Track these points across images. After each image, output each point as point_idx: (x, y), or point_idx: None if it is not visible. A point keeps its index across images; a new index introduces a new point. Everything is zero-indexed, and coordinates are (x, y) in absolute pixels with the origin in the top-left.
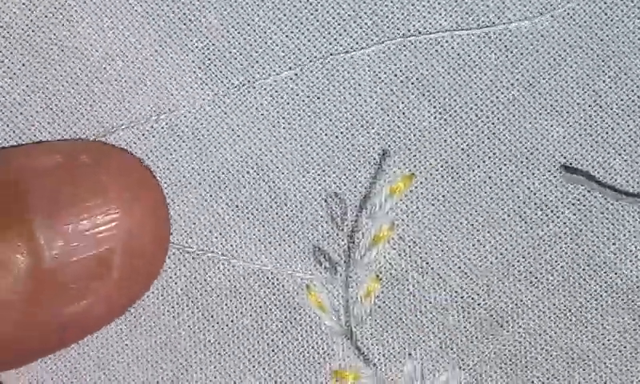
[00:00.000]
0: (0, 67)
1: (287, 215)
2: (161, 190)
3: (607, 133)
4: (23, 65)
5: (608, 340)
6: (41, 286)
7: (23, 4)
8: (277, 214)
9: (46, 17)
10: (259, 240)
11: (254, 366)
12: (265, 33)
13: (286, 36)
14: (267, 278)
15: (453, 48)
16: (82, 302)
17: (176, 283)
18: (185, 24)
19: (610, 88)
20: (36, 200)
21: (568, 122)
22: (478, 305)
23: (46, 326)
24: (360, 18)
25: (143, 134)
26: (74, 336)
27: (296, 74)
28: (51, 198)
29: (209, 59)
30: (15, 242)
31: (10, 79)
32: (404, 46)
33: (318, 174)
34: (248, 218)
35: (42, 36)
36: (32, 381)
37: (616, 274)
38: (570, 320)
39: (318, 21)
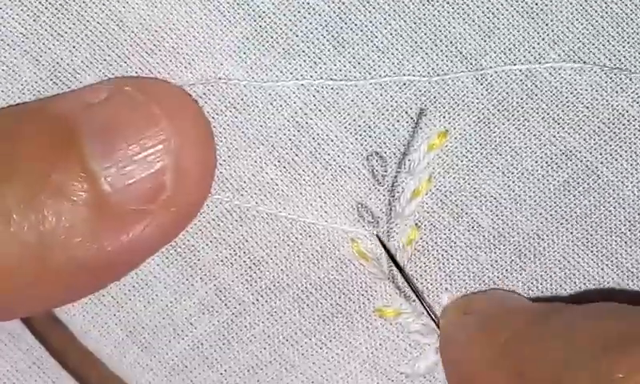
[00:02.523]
0: (60, 41)
1: (332, 174)
2: (206, 119)
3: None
4: (82, 39)
5: (627, 268)
6: (100, 211)
7: None
8: (322, 173)
9: None
10: (305, 198)
11: (302, 308)
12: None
13: (327, 5)
14: (314, 232)
15: (483, 12)
16: (139, 225)
17: (229, 236)
18: None
19: None
20: (87, 131)
21: (593, 72)
22: (508, 242)
23: (108, 252)
24: None
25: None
26: (132, 262)
27: (338, 42)
28: (101, 127)
29: (256, 30)
30: (72, 171)
31: (70, 52)
32: (438, 11)
33: (360, 135)
34: (295, 178)
35: (99, 11)
36: (95, 325)
37: (634, 209)
38: (592, 251)
39: None
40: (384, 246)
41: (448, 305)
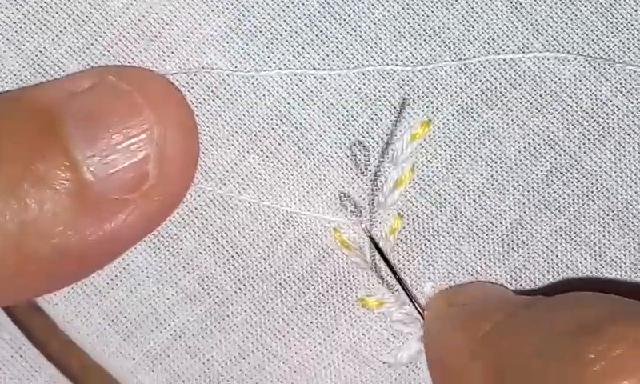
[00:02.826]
0: (43, 29)
1: (314, 164)
2: (189, 108)
3: None
4: (65, 27)
5: (610, 257)
6: (82, 200)
7: None
8: (304, 162)
9: None
10: (288, 188)
11: (285, 298)
12: None
13: None
14: (296, 221)
15: (467, 1)
16: (122, 215)
17: (211, 225)
18: None
19: None
20: (69, 120)
21: (576, 61)
22: (491, 231)
23: (90, 242)
24: None
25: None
26: (115, 251)
27: (321, 31)
28: (84, 116)
29: (239, 19)
30: (55, 160)
31: (53, 40)
32: (421, 1)
33: (343, 124)
34: (277, 167)
35: (82, 0)
36: (77, 314)
37: (617, 199)
38: (575, 241)
39: None
40: (370, 238)
41: (433, 297)
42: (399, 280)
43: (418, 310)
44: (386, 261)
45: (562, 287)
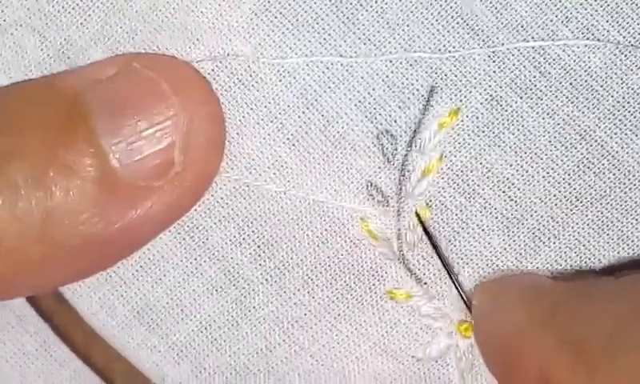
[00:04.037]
0: (67, 17)
1: (341, 152)
2: (215, 95)
3: None
4: (89, 15)
5: None
6: (108, 187)
7: None
8: (331, 151)
9: None
10: (315, 177)
11: (312, 289)
12: None
13: None
14: (323, 211)
15: None
16: (147, 202)
17: (237, 215)
18: None
19: None
20: (95, 107)
21: (606, 49)
22: (522, 224)
23: (116, 229)
24: None
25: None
26: (140, 240)
27: (348, 18)
28: (109, 103)
29: (264, 6)
30: (81, 148)
31: (77, 28)
32: None
33: (370, 112)
34: (304, 156)
35: None
36: (102, 306)
37: None
38: (608, 234)
39: None
40: (423, 226)
41: (480, 283)
42: (448, 269)
43: (464, 300)
44: (437, 250)
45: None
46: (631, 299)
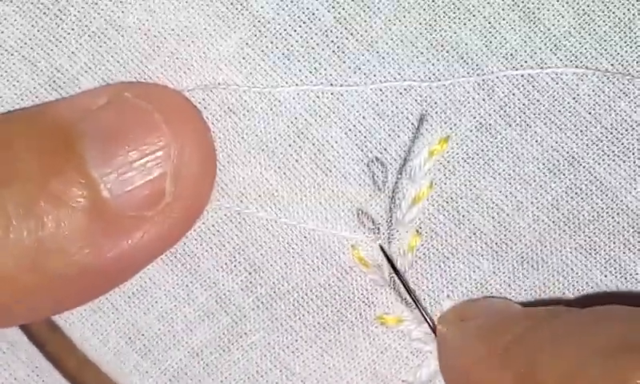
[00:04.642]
0: (59, 46)
1: (332, 180)
2: (206, 125)
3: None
4: (80, 44)
5: (630, 274)
6: (99, 217)
7: None
8: (322, 179)
9: None
10: (306, 205)
11: (303, 315)
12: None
13: (327, 11)
14: (314, 239)
15: (485, 17)
16: (138, 232)
17: (229, 242)
18: (232, 4)
19: None
20: (86, 137)
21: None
22: (511, 249)
23: (107, 258)
24: None
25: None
26: (132, 269)
27: (338, 47)
28: (100, 133)
29: (255, 35)
30: (72, 177)
31: (68, 58)
32: (439, 16)
33: (360, 141)
34: (295, 184)
35: (98, 16)
36: (94, 332)
37: (638, 215)
38: (595, 258)
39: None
40: (385, 254)
41: (445, 312)
42: (413, 297)
43: (432, 328)
44: (400, 277)
45: (583, 303)
46: (588, 337)
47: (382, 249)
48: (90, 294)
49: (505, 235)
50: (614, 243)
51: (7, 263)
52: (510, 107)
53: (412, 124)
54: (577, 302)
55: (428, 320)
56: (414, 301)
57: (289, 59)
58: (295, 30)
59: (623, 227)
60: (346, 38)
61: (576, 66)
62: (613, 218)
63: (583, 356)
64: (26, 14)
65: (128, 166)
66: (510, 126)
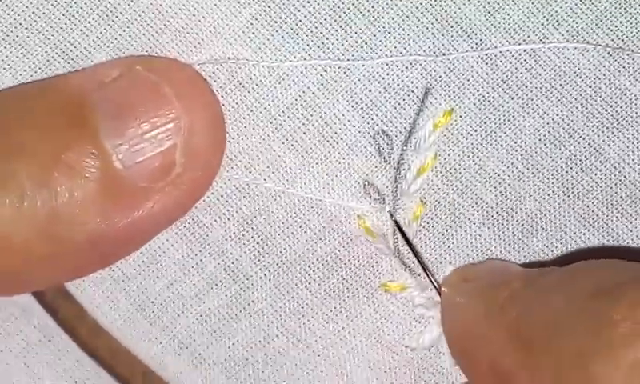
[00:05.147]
0: (71, 20)
1: (339, 152)
2: (216, 98)
3: None
4: (93, 18)
5: (627, 242)
6: (111, 188)
7: None
8: (329, 151)
9: None
10: (313, 176)
11: (309, 283)
12: None
13: None
14: (321, 209)
15: None
16: (149, 202)
17: (237, 212)
18: None
19: None
20: (99, 109)
21: (595, 52)
22: (511, 217)
23: (118, 229)
24: None
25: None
26: (142, 238)
27: (345, 22)
28: (113, 105)
29: (264, 10)
30: (84, 148)
31: (81, 31)
32: None
33: (367, 113)
34: (302, 156)
35: None
36: (105, 299)
37: (635, 186)
38: (594, 226)
39: None
40: (395, 221)
41: (449, 274)
42: (419, 259)
43: (437, 288)
44: (408, 242)
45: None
46: (569, 287)
47: (391, 216)
48: (102, 262)
49: (505, 204)
50: (612, 212)
51: (21, 231)
52: (512, 81)
53: (417, 97)
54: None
55: (433, 282)
56: (421, 264)
57: (297, 34)
58: (303, 5)
59: (621, 197)
60: (353, 14)
61: (577, 41)
62: (611, 187)
63: (565, 304)
64: None
65: (139, 137)
66: (512, 98)
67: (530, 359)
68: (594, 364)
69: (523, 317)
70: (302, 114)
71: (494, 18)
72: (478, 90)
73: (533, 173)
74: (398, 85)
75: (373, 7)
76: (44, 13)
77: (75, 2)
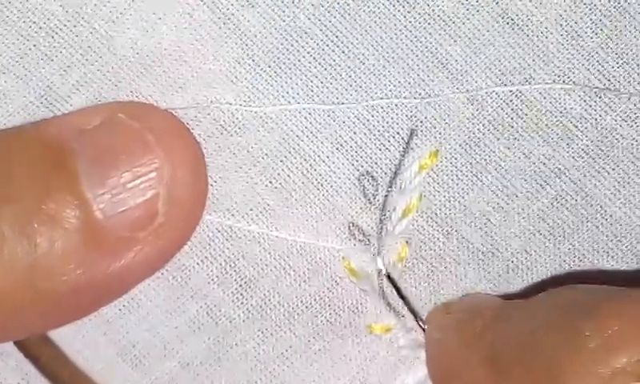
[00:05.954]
0: (51, 64)
1: (323, 194)
2: (198, 146)
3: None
4: (73, 62)
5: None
6: (92, 238)
7: (67, 3)
8: (314, 193)
9: (93, 12)
10: (297, 218)
11: (293, 325)
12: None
13: (319, 29)
14: (305, 251)
15: (474, 34)
16: (131, 252)
17: (220, 255)
18: (224, 23)
19: None
20: (80, 157)
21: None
22: (497, 258)
23: (100, 279)
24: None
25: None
26: (124, 288)
27: (330, 64)
28: (94, 154)
29: (246, 54)
30: (65, 198)
31: (60, 75)
32: (429, 33)
33: (351, 155)
34: (287, 198)
35: (90, 35)
36: (86, 344)
37: (621, 225)
38: (579, 266)
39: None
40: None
41: (431, 310)
42: (405, 301)
43: (422, 327)
44: (393, 284)
45: None
46: (543, 308)
47: (375, 258)
48: (83, 312)
49: (491, 244)
50: (598, 252)
51: (3, 278)
52: (497, 121)
53: (402, 138)
54: None
55: (419, 322)
56: (407, 305)
57: (280, 77)
58: (287, 48)
59: (607, 236)
60: (338, 56)
61: (564, 82)
62: (597, 227)
63: (535, 324)
64: (18, 32)
65: (121, 187)
66: (498, 139)
67: (503, 380)
68: (566, 378)
69: (497, 340)
70: (285, 157)
71: (480, 59)
72: (464, 131)
73: (518, 213)
74: (383, 127)
75: (357, 49)
76: (22, 57)
77: (54, 46)
